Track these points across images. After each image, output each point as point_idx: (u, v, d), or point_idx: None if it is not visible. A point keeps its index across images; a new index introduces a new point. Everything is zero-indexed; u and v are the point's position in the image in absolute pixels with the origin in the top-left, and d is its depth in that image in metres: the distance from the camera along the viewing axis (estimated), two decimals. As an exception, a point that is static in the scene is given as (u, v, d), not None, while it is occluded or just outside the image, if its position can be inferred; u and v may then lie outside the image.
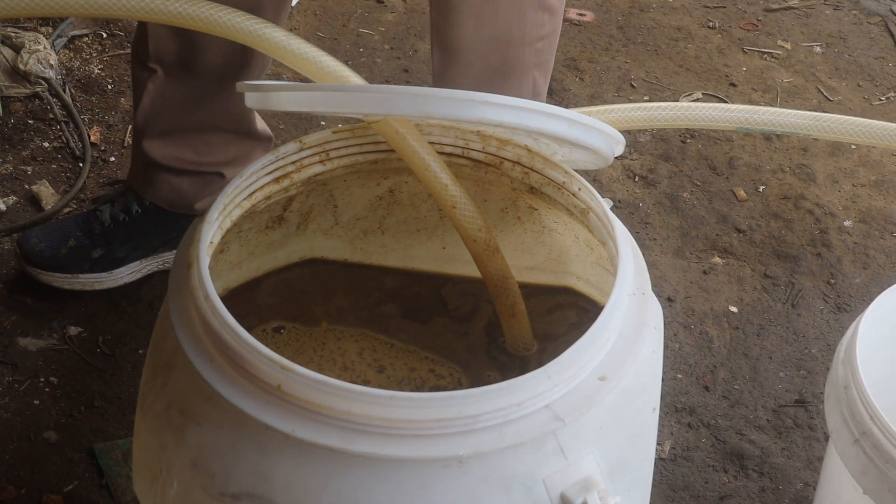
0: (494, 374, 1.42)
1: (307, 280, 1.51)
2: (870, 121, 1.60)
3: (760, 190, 2.41)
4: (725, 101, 2.64)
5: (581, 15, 2.89)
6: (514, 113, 1.17)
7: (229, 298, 1.40)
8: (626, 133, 1.45)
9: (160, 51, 1.82)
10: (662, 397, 1.23)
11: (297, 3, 2.74)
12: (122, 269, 2.02)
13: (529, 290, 1.44)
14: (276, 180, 1.32)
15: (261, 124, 1.96)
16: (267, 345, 1.09)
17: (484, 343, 1.46)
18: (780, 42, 2.85)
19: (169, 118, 1.89)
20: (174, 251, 1.27)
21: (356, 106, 1.18)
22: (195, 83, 1.84)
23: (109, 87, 2.47)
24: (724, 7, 2.95)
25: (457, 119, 1.24)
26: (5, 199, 2.23)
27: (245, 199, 1.29)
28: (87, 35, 2.57)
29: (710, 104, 1.59)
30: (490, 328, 1.46)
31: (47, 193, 2.20)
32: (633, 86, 2.68)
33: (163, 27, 1.78)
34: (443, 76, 1.68)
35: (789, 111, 1.59)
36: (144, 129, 1.91)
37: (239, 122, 1.91)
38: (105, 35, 2.59)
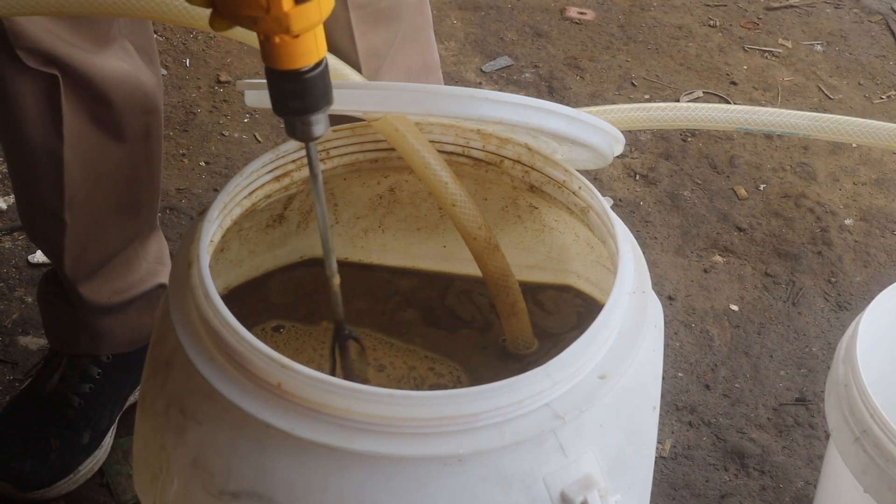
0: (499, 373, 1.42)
1: (309, 279, 1.51)
2: (870, 121, 1.60)
3: (761, 188, 2.41)
4: (726, 100, 2.64)
5: (582, 14, 2.89)
6: (514, 110, 1.17)
7: (230, 297, 1.40)
8: (627, 131, 1.45)
9: (75, 194, 1.65)
10: (663, 396, 1.23)
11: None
12: (109, 431, 1.83)
13: (530, 289, 1.44)
14: (277, 179, 1.32)
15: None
16: (267, 343, 1.08)
17: (492, 343, 1.46)
18: (780, 40, 2.85)
19: (99, 249, 1.73)
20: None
21: (356, 103, 1.18)
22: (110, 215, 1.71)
23: (110, 85, 2.47)
24: (725, 6, 2.95)
25: (457, 116, 1.24)
26: (6, 197, 2.23)
27: (245, 197, 1.29)
28: (87, 34, 2.57)
29: (710, 105, 1.59)
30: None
31: (48, 192, 2.20)
32: (633, 84, 2.68)
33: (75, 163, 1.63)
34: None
35: (789, 111, 1.59)
36: (77, 277, 1.73)
37: (150, 220, 1.80)
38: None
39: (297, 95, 1.06)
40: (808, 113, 1.59)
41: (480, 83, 2.65)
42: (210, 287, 1.12)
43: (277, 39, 1.02)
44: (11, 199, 2.21)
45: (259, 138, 2.46)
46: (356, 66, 1.51)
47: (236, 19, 1.03)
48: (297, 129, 1.09)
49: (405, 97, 1.16)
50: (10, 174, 1.72)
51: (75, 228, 1.67)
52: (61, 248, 1.69)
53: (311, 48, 1.04)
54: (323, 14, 1.03)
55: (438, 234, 1.51)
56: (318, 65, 1.05)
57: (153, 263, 1.81)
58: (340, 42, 1.51)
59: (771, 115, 1.58)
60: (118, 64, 1.60)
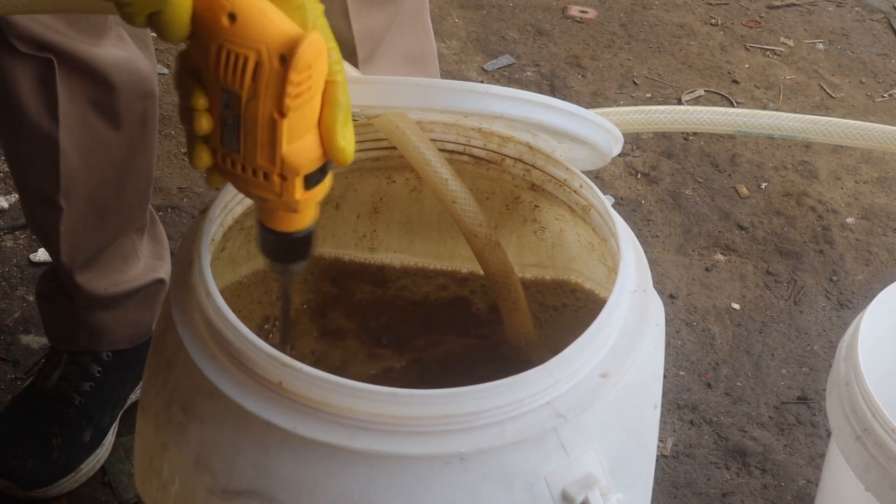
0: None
1: (310, 276, 1.50)
2: (870, 124, 1.60)
3: (763, 187, 2.40)
4: (728, 98, 2.64)
5: (583, 12, 2.89)
6: (515, 104, 1.17)
7: (231, 296, 1.40)
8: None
9: (71, 179, 1.65)
10: (664, 394, 1.23)
11: None
12: (111, 429, 1.84)
13: (531, 286, 1.44)
14: (278, 177, 1.32)
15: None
16: (268, 342, 1.08)
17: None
18: (782, 39, 2.84)
19: (95, 237, 1.73)
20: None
21: (355, 98, 1.18)
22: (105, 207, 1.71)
23: (111, 84, 2.47)
24: (727, 4, 2.95)
25: (458, 110, 1.24)
26: (7, 196, 2.23)
27: (247, 195, 1.29)
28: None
29: (710, 108, 1.59)
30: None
31: (49, 191, 2.20)
32: (635, 83, 2.68)
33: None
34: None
35: (789, 115, 1.59)
36: (73, 266, 1.73)
37: (144, 211, 1.79)
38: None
39: (284, 249, 1.11)
40: (808, 116, 1.59)
41: (482, 82, 2.65)
42: (211, 285, 1.12)
43: (280, 212, 1.07)
44: (13, 197, 2.21)
45: (260, 137, 2.46)
46: (351, 47, 1.51)
47: (244, 191, 1.06)
48: (279, 269, 1.14)
49: (405, 91, 1.16)
50: (8, 162, 1.72)
51: (71, 215, 1.67)
52: (57, 235, 1.69)
53: (307, 216, 1.08)
54: (325, 191, 1.07)
55: (440, 232, 1.51)
56: (308, 227, 1.09)
57: (151, 258, 1.81)
58: (335, 22, 1.50)
59: (770, 119, 1.58)
60: (115, 51, 1.61)
